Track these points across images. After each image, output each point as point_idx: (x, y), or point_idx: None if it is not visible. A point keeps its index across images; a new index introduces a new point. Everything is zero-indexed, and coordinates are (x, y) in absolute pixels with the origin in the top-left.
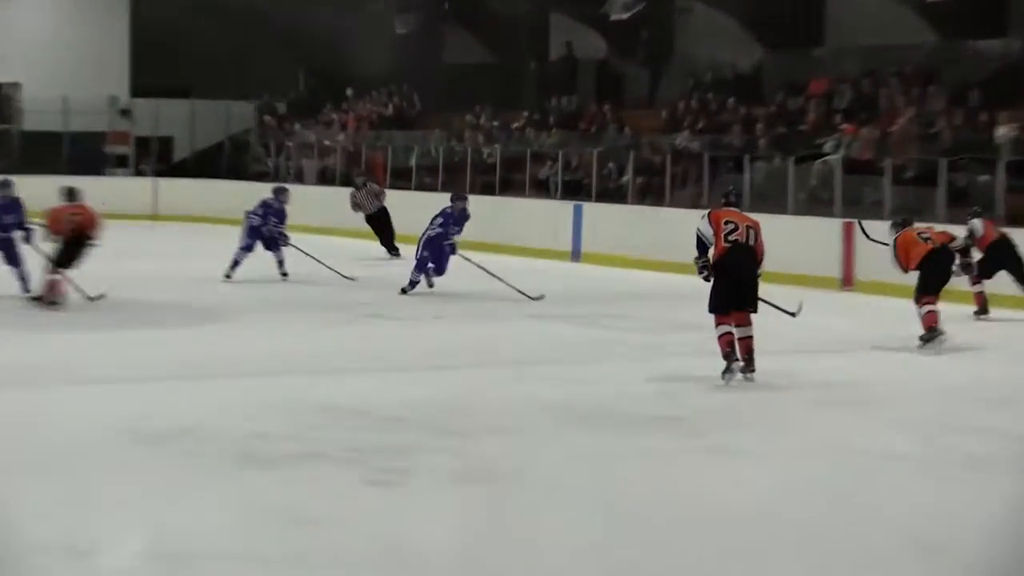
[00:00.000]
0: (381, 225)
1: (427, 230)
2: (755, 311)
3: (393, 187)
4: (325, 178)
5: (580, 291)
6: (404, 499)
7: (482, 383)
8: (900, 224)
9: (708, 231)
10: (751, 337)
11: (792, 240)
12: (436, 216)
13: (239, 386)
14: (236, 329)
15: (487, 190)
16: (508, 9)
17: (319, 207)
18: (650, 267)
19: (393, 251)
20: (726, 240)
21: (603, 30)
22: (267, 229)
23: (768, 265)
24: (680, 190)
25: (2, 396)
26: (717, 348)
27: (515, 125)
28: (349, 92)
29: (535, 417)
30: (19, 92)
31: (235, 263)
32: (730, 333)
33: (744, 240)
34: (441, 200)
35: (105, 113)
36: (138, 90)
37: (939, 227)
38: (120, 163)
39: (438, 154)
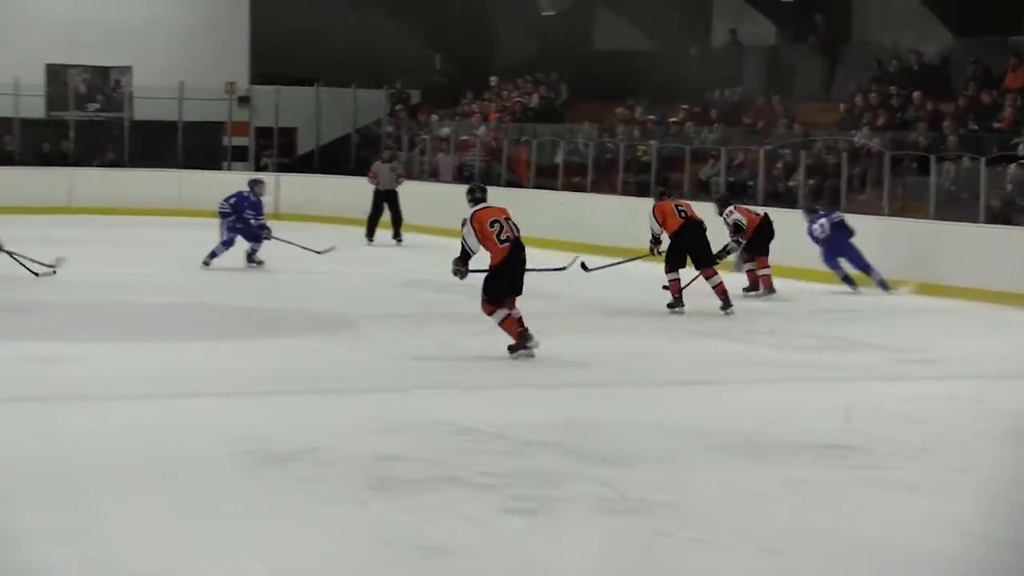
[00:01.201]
0: (393, 207)
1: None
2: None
3: (538, 187)
4: (463, 175)
5: (738, 305)
6: (544, 529)
7: (630, 404)
8: None
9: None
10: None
11: (983, 252)
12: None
13: (367, 402)
14: (363, 340)
15: (642, 191)
16: None
17: (457, 207)
18: (816, 278)
19: (398, 238)
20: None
21: (772, 13)
22: (238, 220)
23: (956, 278)
24: (857, 194)
25: (123, 406)
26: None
27: (673, 119)
28: (493, 81)
29: (687, 443)
30: (129, 77)
31: (213, 254)
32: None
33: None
34: (590, 201)
35: (223, 101)
36: (258, 77)
37: None
38: (238, 156)
39: (587, 150)
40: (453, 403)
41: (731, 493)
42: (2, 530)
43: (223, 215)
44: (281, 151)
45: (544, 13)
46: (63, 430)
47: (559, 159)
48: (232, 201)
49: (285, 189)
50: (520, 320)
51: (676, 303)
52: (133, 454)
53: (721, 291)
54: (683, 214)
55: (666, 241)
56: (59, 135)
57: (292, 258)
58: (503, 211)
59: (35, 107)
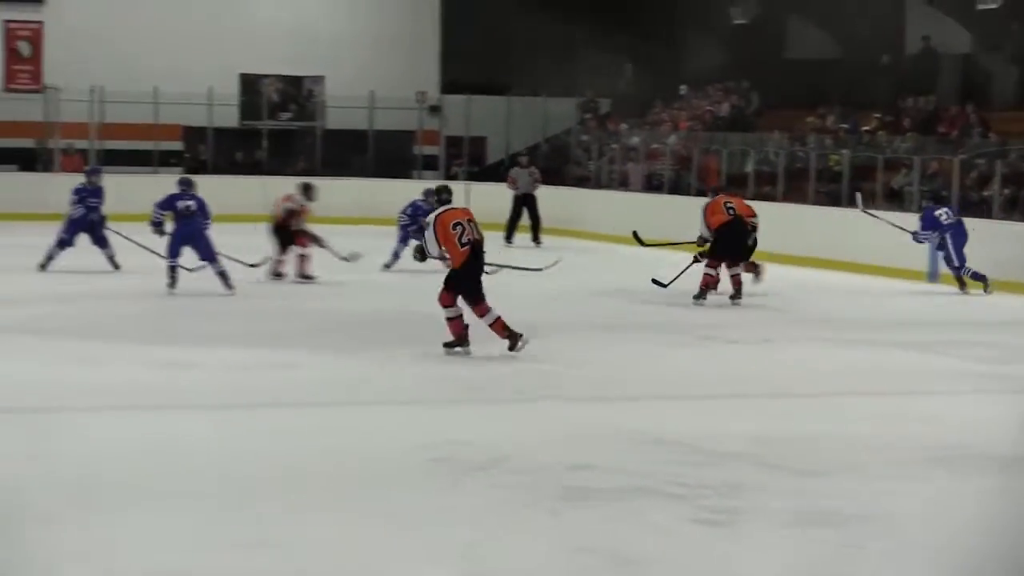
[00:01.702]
0: (531, 211)
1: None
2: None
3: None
4: (652, 185)
5: (928, 315)
6: (735, 540)
7: (822, 415)
8: None
9: None
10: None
11: None
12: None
13: (559, 411)
14: (555, 348)
15: (832, 200)
16: None
17: (647, 216)
18: (1008, 289)
19: (537, 241)
20: None
21: (967, 21)
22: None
23: None
24: None
25: (307, 413)
26: None
27: (865, 127)
28: (682, 90)
29: (879, 454)
30: (322, 87)
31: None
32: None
33: None
34: (780, 210)
35: (413, 110)
36: (449, 86)
37: None
38: (429, 165)
39: (777, 159)
40: (643, 413)
41: (925, 505)
42: (196, 538)
43: (403, 226)
44: (471, 160)
45: (735, 22)
46: (259, 434)
47: (749, 168)
48: (408, 211)
49: (475, 198)
50: (500, 323)
51: (700, 295)
52: (328, 460)
53: (736, 282)
54: (731, 211)
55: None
56: (252, 144)
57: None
58: (467, 212)
59: (229, 116)
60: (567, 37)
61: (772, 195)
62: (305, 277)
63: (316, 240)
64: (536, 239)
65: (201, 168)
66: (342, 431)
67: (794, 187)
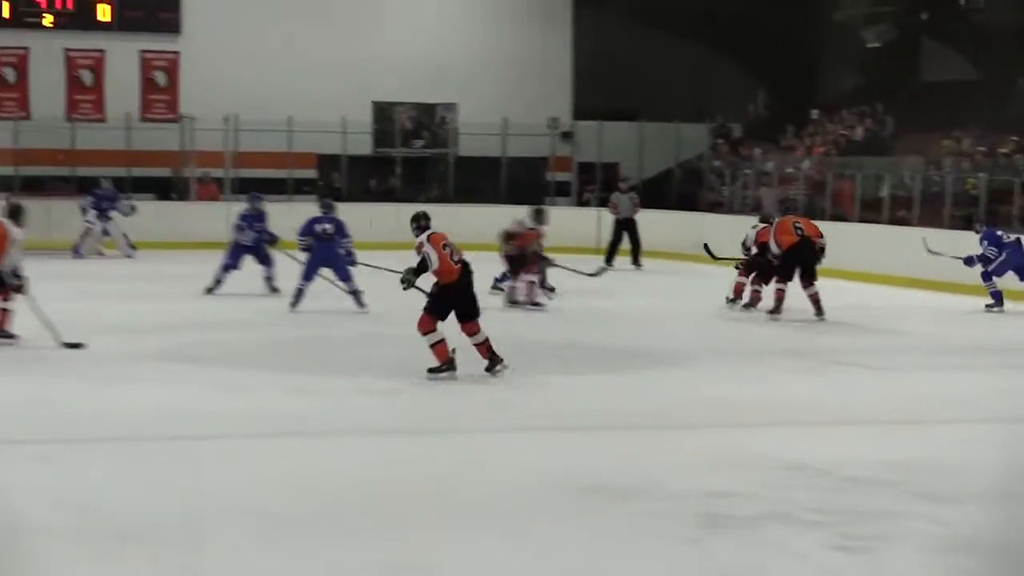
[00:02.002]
0: (632, 235)
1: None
2: None
3: (862, 220)
4: (785, 210)
5: None
6: (876, 568)
7: (962, 441)
8: None
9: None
10: None
11: None
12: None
13: (696, 438)
14: (681, 374)
15: (967, 224)
16: (996, 19)
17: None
18: None
19: (637, 264)
20: None
21: None
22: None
23: None
24: None
25: (449, 440)
26: None
27: (1002, 150)
28: (814, 114)
29: (1019, 482)
30: (454, 114)
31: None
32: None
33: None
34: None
35: (545, 137)
36: (581, 112)
37: None
38: (561, 191)
39: (913, 183)
40: (775, 439)
41: None
42: (346, 562)
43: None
44: (603, 186)
45: (869, 45)
46: (400, 462)
47: (884, 192)
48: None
49: (607, 225)
50: (486, 345)
51: (775, 310)
52: (472, 486)
53: (815, 299)
54: (799, 231)
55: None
56: (386, 171)
57: (628, 292)
58: (446, 235)
59: (362, 144)
60: (698, 62)
61: (907, 219)
62: (534, 304)
63: (550, 262)
64: (636, 262)
65: (335, 196)
66: (485, 457)
67: (930, 211)
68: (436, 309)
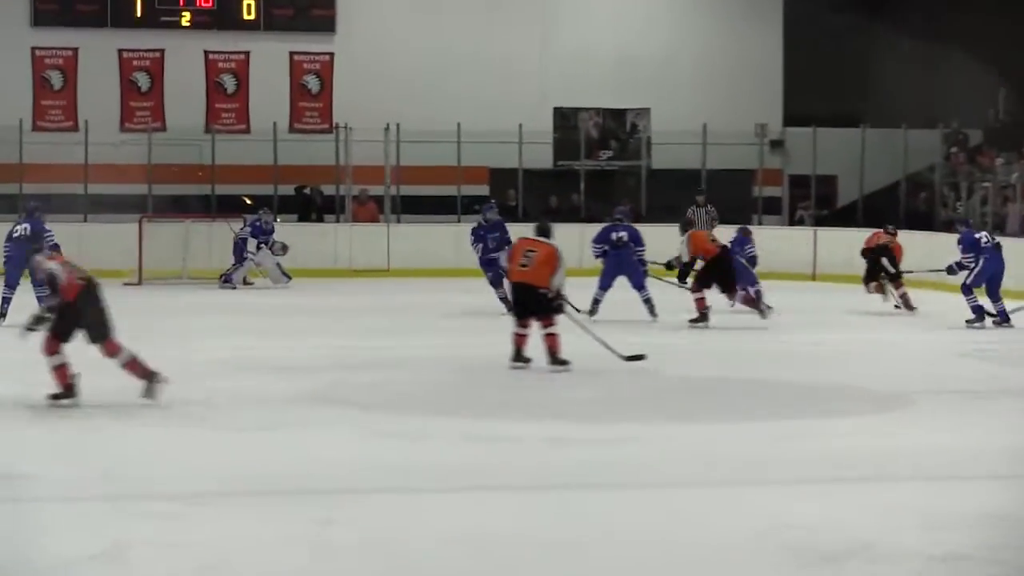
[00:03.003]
0: None
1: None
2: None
3: None
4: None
5: None
6: None
7: None
8: None
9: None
10: None
11: None
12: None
13: (915, 491)
14: (909, 418)
15: None
16: None
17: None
18: None
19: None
20: None
21: None
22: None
23: None
24: None
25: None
26: None
27: None
28: None
29: None
30: (647, 121)
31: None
32: None
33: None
34: None
35: (752, 146)
36: (793, 117)
37: None
38: (770, 208)
39: None
40: (1012, 494)
41: None
42: None
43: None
44: (819, 202)
45: None
46: (583, 517)
47: None
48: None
49: (823, 246)
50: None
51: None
52: (665, 544)
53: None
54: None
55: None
56: (568, 186)
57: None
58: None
59: (542, 156)
60: (929, 59)
61: None
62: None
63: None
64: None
65: (511, 214)
66: (675, 510)
67: None
68: (58, 333)
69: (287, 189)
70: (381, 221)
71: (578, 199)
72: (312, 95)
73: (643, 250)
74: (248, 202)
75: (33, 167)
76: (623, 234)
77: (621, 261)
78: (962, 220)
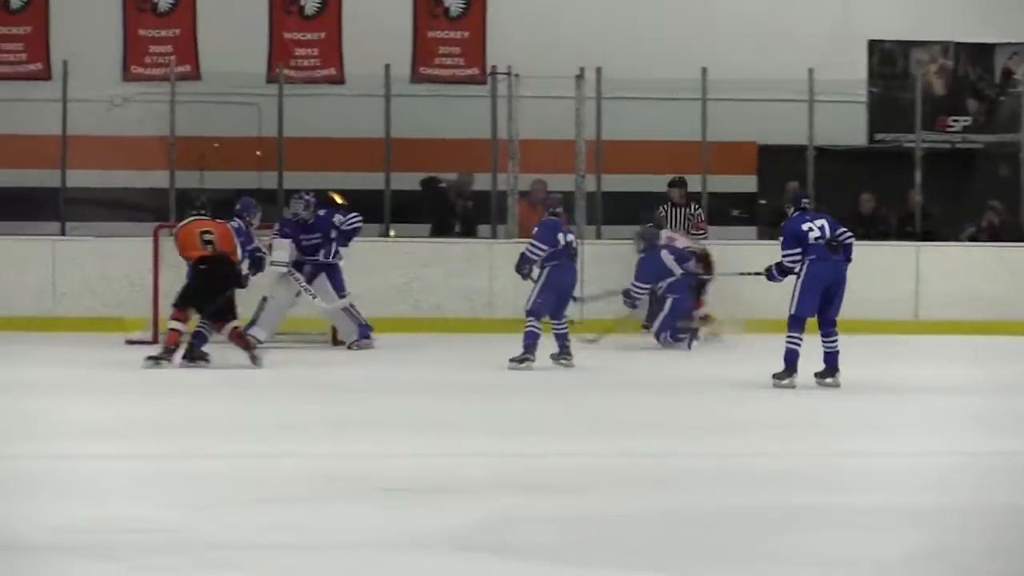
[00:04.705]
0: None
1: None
2: None
3: None
4: None
5: None
6: None
7: None
8: None
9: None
10: None
11: None
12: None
13: None
14: None
15: None
16: None
17: None
18: None
19: None
20: None
21: None
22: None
23: None
24: None
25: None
26: None
27: None
28: None
29: None
30: None
31: None
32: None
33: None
34: None
35: None
36: None
37: None
38: None
39: None
40: None
41: None
42: None
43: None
44: None
45: None
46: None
47: None
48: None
49: None
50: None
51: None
52: None
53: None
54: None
55: None
56: (892, 176)
57: None
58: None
59: (847, 127)
60: None
61: None
62: None
63: None
64: None
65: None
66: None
67: None
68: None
69: (407, 180)
70: (570, 232)
71: (914, 198)
72: (450, 20)
73: None
74: (340, 201)
75: None
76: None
77: None
78: (796, 198)
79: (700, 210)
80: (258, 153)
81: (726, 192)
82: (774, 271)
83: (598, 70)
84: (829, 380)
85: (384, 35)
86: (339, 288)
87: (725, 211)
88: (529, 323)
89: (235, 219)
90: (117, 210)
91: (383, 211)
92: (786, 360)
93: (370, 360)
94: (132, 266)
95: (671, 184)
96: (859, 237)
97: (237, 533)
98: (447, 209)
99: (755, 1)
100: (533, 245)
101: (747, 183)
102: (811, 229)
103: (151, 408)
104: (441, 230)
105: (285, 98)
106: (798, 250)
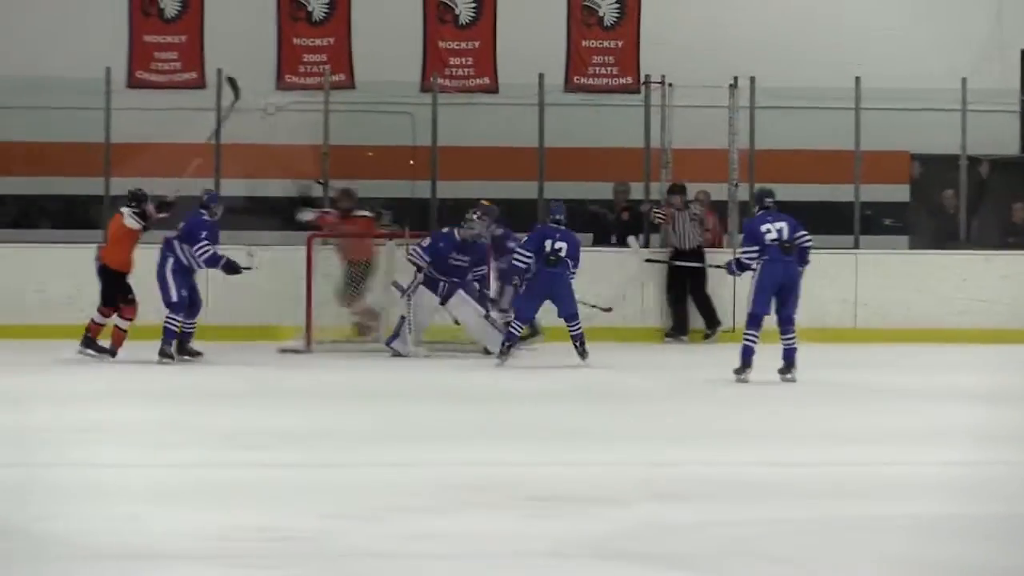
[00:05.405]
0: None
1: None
2: None
3: None
4: None
5: None
6: None
7: None
8: None
9: None
10: None
11: None
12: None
13: None
14: None
15: None
16: None
17: None
18: None
19: None
20: None
21: None
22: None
23: None
24: None
25: None
26: None
27: None
28: None
29: None
30: None
31: None
32: None
33: None
34: None
35: None
36: None
37: None
38: None
39: None
40: None
41: None
42: None
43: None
44: None
45: None
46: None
47: None
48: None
49: None
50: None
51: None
52: None
53: None
54: None
55: None
56: None
57: None
58: None
59: (1000, 136)
60: None
61: None
62: None
63: None
64: None
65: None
66: None
67: None
68: None
69: (559, 189)
70: (724, 246)
71: None
72: (604, 30)
73: None
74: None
75: (126, 149)
76: None
77: None
78: (760, 196)
79: (702, 209)
80: (411, 162)
81: (878, 201)
82: (733, 266)
83: (752, 79)
84: (788, 376)
85: (538, 44)
86: (486, 302)
87: (877, 220)
88: (575, 325)
89: (201, 210)
90: (267, 219)
91: (536, 220)
92: (742, 356)
93: (519, 367)
94: (280, 275)
95: (671, 191)
96: (1010, 246)
97: (377, 542)
98: (599, 224)
99: (907, 11)
100: (519, 253)
101: (899, 192)
102: (768, 231)
103: (290, 417)
104: (599, 240)
105: (439, 107)
106: (755, 248)
